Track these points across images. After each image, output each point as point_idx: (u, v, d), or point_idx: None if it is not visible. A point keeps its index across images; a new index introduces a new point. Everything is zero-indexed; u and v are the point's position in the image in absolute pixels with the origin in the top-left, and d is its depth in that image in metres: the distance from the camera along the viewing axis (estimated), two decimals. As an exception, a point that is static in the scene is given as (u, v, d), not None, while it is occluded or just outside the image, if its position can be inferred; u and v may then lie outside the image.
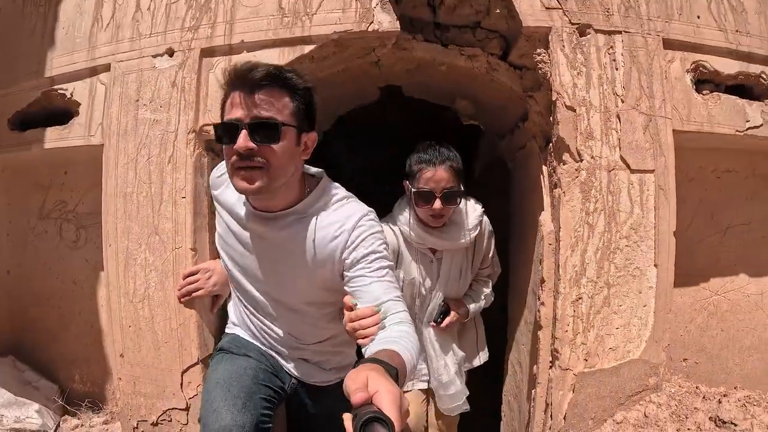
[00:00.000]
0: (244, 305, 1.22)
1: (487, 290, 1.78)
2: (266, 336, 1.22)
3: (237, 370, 1.13)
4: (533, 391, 1.51)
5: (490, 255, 1.77)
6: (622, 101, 1.50)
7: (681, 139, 1.59)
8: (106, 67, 1.75)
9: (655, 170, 1.49)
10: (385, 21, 1.48)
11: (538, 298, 1.50)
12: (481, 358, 1.79)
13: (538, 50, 1.51)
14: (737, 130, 1.65)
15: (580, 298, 1.41)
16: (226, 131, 0.96)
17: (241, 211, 1.11)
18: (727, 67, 1.69)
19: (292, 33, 1.50)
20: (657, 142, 1.51)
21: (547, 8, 1.52)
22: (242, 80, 0.94)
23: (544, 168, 1.56)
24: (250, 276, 1.15)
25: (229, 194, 1.13)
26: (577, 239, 1.42)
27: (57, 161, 2.03)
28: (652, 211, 1.47)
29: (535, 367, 1.51)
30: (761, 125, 1.70)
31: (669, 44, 1.63)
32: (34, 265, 2.18)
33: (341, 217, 1.05)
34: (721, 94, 1.70)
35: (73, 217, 2.06)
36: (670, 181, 1.50)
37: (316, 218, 1.06)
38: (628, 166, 1.47)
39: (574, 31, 1.52)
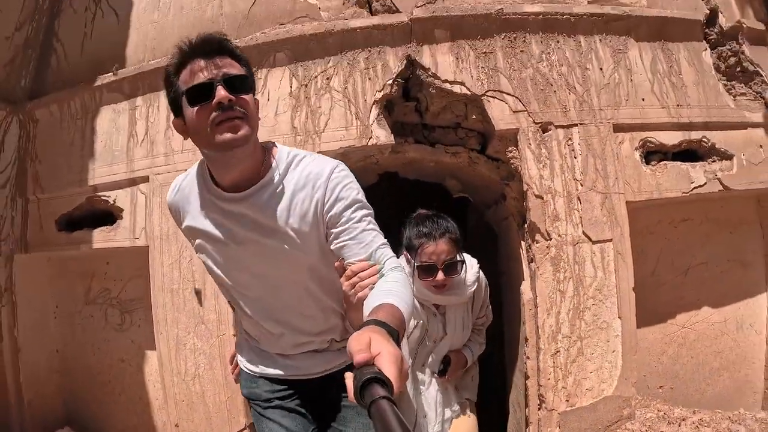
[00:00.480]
0: (249, 317, 1.25)
1: (482, 339, 1.96)
2: (273, 342, 1.25)
3: None
4: (527, 429, 1.93)
5: (486, 305, 1.94)
6: (581, 185, 1.93)
7: (636, 205, 2.02)
8: (145, 179, 2.18)
9: (613, 239, 1.92)
10: (382, 135, 1.92)
11: (525, 353, 1.92)
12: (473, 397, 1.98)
13: (510, 148, 1.94)
14: (683, 192, 2.09)
15: (558, 352, 1.83)
16: (200, 93, 1.02)
17: (212, 209, 1.14)
18: (671, 138, 2.13)
19: (305, 149, 1.92)
20: (613, 215, 1.94)
21: (514, 112, 1.96)
22: (200, 49, 1.05)
23: (522, 243, 1.99)
24: (245, 273, 1.17)
25: (193, 199, 1.17)
26: (551, 304, 1.85)
27: (99, 254, 2.44)
28: (613, 273, 1.90)
29: (527, 409, 1.93)
30: (705, 183, 2.14)
31: (619, 128, 2.06)
32: (82, 345, 2.59)
33: (314, 173, 1.10)
34: (668, 162, 2.13)
35: (117, 303, 2.47)
36: (626, 246, 1.92)
37: (290, 182, 1.11)
38: (589, 239, 1.90)
39: (538, 129, 1.96)
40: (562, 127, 2.01)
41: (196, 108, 1.03)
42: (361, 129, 1.92)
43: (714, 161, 2.20)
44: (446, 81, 1.99)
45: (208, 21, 2.31)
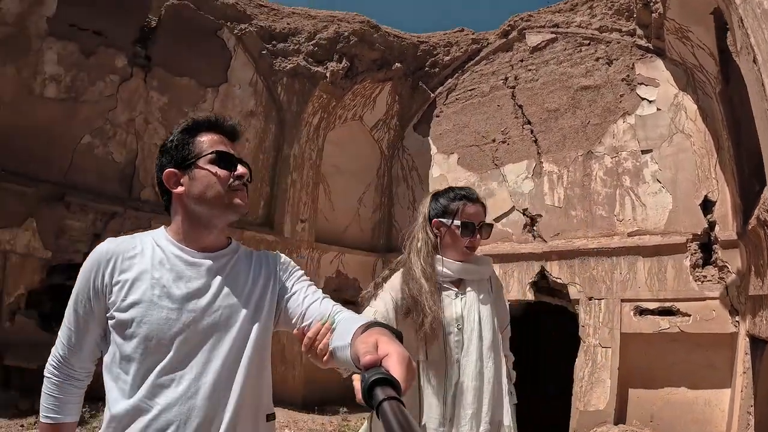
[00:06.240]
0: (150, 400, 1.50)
1: (509, 353, 2.66)
2: None
3: None
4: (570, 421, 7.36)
5: (507, 312, 2.68)
6: (601, 324, 7.18)
7: (627, 336, 7.05)
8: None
9: (611, 347, 7.10)
10: (530, 295, 7.81)
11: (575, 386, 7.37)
12: None
13: (576, 306, 7.41)
14: (653, 331, 6.94)
15: (581, 386, 7.22)
16: (226, 159, 1.67)
17: (175, 264, 1.63)
18: (652, 305, 7.01)
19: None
20: (614, 339, 7.11)
21: (579, 291, 7.41)
22: (228, 131, 1.76)
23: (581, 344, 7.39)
24: (184, 333, 1.55)
25: (144, 254, 1.64)
26: (581, 368, 7.24)
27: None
28: (609, 360, 7.09)
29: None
30: (668, 328, 6.89)
31: (625, 300, 7.12)
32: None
33: (264, 253, 1.84)
34: (648, 316, 7.00)
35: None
36: (617, 350, 7.06)
37: (249, 255, 1.79)
38: (601, 345, 7.14)
39: (587, 299, 7.30)
40: (597, 299, 7.23)
41: (221, 169, 1.67)
42: (521, 292, 7.81)
43: (678, 316, 6.82)
44: (556, 278, 7.56)
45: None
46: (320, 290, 1.76)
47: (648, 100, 7.32)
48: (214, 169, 1.65)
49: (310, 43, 8.31)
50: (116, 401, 1.52)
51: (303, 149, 8.39)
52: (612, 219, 7.47)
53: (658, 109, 7.27)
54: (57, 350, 1.68)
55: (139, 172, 7.42)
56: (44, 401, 1.68)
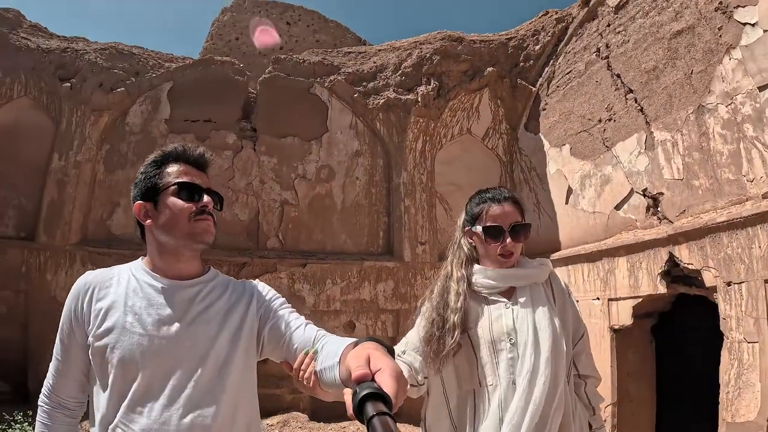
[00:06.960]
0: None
1: (593, 373, 2.35)
2: None
3: None
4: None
5: (579, 320, 2.35)
6: (744, 313, 5.79)
7: None
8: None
9: (758, 341, 5.66)
10: (661, 287, 6.65)
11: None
12: None
13: (714, 294, 6.10)
14: None
15: (728, 392, 5.83)
16: (191, 190, 1.71)
17: (152, 293, 1.69)
18: None
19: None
20: (760, 332, 5.67)
21: (715, 277, 6.11)
22: (195, 160, 1.78)
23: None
24: (158, 361, 1.59)
25: (119, 285, 1.70)
26: (726, 370, 5.87)
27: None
28: (758, 358, 5.65)
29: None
30: None
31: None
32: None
33: (240, 282, 1.85)
34: None
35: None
36: (765, 344, 5.60)
37: (227, 283, 1.81)
38: (746, 341, 5.75)
39: (724, 285, 5.97)
40: (736, 283, 5.86)
41: (183, 200, 1.71)
42: (652, 285, 6.69)
43: (843, 292, 5.16)
44: (687, 264, 6.34)
45: (588, 226, 7.62)
46: (303, 317, 1.78)
47: (750, 24, 5.80)
48: (178, 200, 1.71)
49: (397, 74, 8.67)
50: (98, 426, 1.61)
51: (412, 175, 8.69)
52: (741, 181, 6.00)
53: (764, 31, 5.69)
54: (48, 380, 1.78)
55: (263, 226, 8.61)
56: (37, 429, 1.77)
